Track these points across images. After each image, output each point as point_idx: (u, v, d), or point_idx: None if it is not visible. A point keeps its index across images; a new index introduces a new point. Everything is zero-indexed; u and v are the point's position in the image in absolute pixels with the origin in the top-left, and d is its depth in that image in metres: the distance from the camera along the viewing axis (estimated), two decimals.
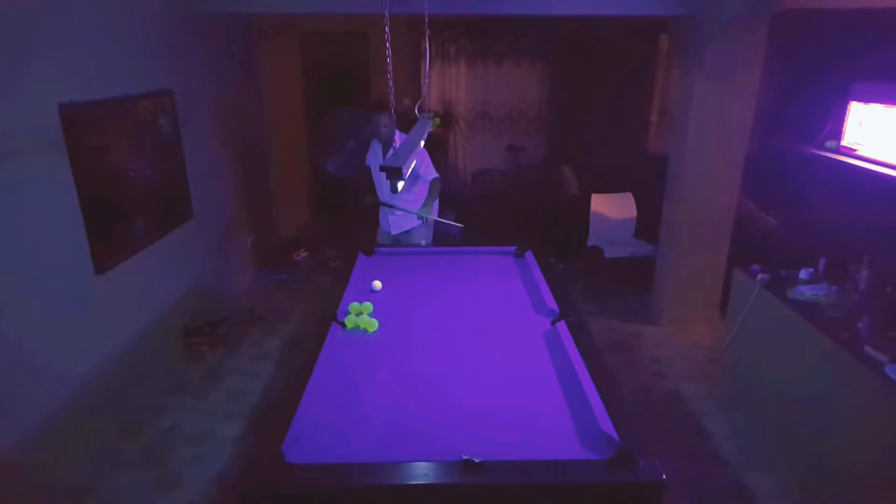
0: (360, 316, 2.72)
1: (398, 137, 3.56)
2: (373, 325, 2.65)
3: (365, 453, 1.82)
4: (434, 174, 4.03)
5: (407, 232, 4.19)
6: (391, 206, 4.05)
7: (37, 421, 2.72)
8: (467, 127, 7.27)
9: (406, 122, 3.95)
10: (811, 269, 3.23)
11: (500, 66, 7.09)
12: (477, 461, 1.72)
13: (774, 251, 4.25)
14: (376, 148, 4.03)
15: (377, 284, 3.12)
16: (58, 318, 2.86)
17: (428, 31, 3.02)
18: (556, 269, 3.33)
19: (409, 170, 2.25)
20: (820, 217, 4.24)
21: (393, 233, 4.20)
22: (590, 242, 5.12)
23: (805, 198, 4.47)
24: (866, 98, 3.77)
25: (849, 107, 3.88)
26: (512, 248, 3.67)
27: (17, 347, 2.60)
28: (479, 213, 6.81)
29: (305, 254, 5.74)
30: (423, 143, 2.76)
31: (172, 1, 3.78)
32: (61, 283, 2.88)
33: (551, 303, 2.86)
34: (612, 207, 5.24)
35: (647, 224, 4.97)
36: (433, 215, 4.06)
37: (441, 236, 4.52)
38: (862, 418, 2.50)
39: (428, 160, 4.01)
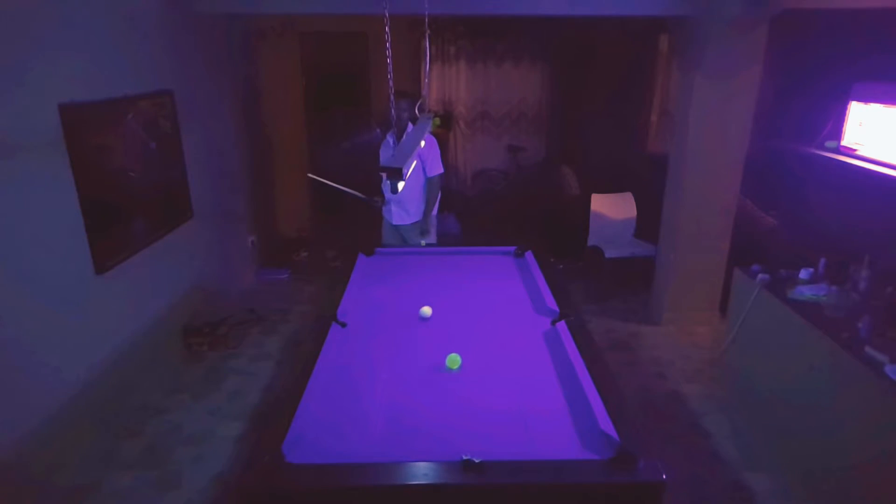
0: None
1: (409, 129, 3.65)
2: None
3: (365, 453, 1.82)
4: (439, 169, 4.10)
5: (406, 225, 4.25)
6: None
7: (37, 421, 2.72)
8: (467, 127, 7.27)
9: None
10: (811, 269, 3.23)
11: (500, 66, 7.08)
12: (477, 461, 1.72)
13: (774, 251, 4.24)
14: (390, 140, 4.08)
15: (427, 311, 2.84)
16: (58, 318, 2.86)
17: (428, 31, 3.02)
18: (556, 269, 3.33)
19: (410, 170, 2.25)
20: (820, 217, 4.24)
21: (394, 223, 4.26)
22: (590, 242, 5.11)
23: (805, 198, 4.47)
24: (866, 98, 3.77)
25: (849, 107, 3.88)
26: (512, 248, 3.67)
27: (17, 347, 2.60)
28: (479, 213, 6.81)
29: (305, 253, 5.75)
30: (423, 143, 2.77)
31: (172, 1, 3.78)
32: (61, 283, 2.88)
33: (551, 303, 2.86)
34: (612, 207, 5.24)
35: (647, 224, 4.96)
36: (433, 217, 4.10)
37: (441, 236, 4.53)
38: (862, 418, 2.50)
39: (436, 152, 4.08)
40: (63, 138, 2.82)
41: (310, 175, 4.05)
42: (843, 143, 3.94)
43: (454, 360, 2.35)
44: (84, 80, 3.00)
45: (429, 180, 4.08)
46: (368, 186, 4.28)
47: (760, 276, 3.29)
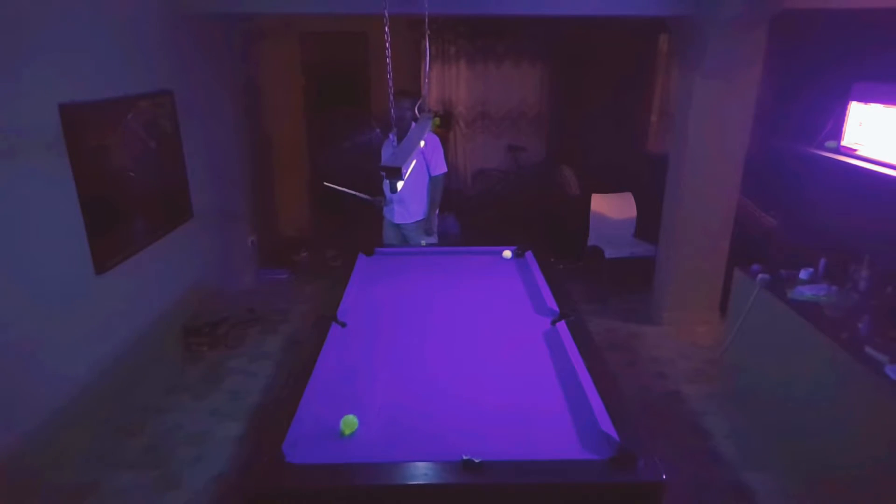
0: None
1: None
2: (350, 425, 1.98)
3: (365, 453, 1.83)
4: (443, 168, 4.11)
5: (409, 224, 4.25)
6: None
7: (37, 421, 2.72)
8: (467, 127, 7.26)
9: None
10: (811, 269, 3.23)
11: (500, 66, 7.08)
12: (477, 461, 1.72)
13: (774, 251, 4.25)
14: (393, 140, 4.09)
15: (507, 254, 3.50)
16: (58, 318, 2.86)
17: (428, 31, 3.02)
18: (556, 269, 3.33)
19: (409, 170, 2.25)
20: (820, 217, 4.24)
21: (396, 221, 4.26)
22: (590, 242, 5.11)
23: (805, 198, 4.47)
24: (866, 98, 3.76)
25: (849, 107, 3.88)
26: (512, 249, 3.67)
27: (17, 347, 2.60)
28: (479, 213, 6.81)
29: (305, 253, 5.75)
30: (423, 142, 2.78)
31: (172, 1, 3.78)
32: (61, 284, 2.88)
33: (551, 303, 2.86)
34: (612, 207, 5.24)
35: (647, 224, 4.96)
36: (434, 215, 4.13)
37: (441, 236, 4.53)
38: (862, 418, 2.50)
39: (440, 151, 4.10)
40: (63, 138, 2.82)
41: (326, 184, 4.09)
42: (843, 143, 3.94)
43: (349, 424, 1.94)
44: (84, 80, 3.00)
45: (433, 179, 4.10)
46: (369, 186, 4.28)
47: (760, 276, 3.29)
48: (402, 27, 6.55)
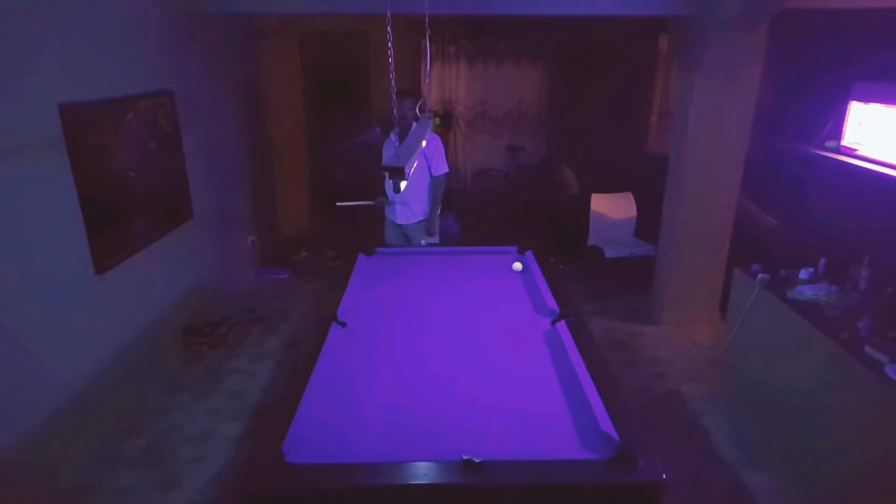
0: None
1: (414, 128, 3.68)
2: None
3: (365, 453, 1.82)
4: (444, 168, 4.11)
5: (411, 224, 4.24)
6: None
7: (37, 421, 2.72)
8: (467, 127, 7.26)
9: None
10: (811, 269, 3.23)
11: (500, 66, 7.07)
12: (477, 461, 1.72)
13: (774, 251, 4.24)
14: (394, 139, 4.10)
15: (518, 266, 3.36)
16: (58, 318, 2.86)
17: (428, 31, 3.02)
18: (556, 269, 3.33)
19: (412, 170, 2.25)
20: (820, 217, 4.24)
21: (398, 222, 4.26)
22: (590, 242, 5.12)
23: (805, 198, 4.47)
24: (866, 98, 3.77)
25: (849, 107, 3.88)
26: (512, 249, 3.67)
27: (17, 347, 2.60)
28: (479, 213, 6.81)
29: (305, 253, 5.75)
30: (424, 142, 2.78)
31: (172, 1, 3.78)
32: (61, 283, 2.88)
33: (551, 303, 2.86)
34: (612, 207, 5.24)
35: (647, 224, 4.97)
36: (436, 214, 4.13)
37: (442, 236, 4.53)
38: (862, 418, 2.50)
39: (442, 152, 4.10)
40: (63, 138, 2.82)
41: (338, 204, 4.16)
42: (843, 142, 3.94)
43: None
44: (84, 80, 3.00)
45: (434, 179, 4.10)
46: (369, 186, 4.28)
47: (760, 276, 3.29)
48: (403, 27, 6.55)
